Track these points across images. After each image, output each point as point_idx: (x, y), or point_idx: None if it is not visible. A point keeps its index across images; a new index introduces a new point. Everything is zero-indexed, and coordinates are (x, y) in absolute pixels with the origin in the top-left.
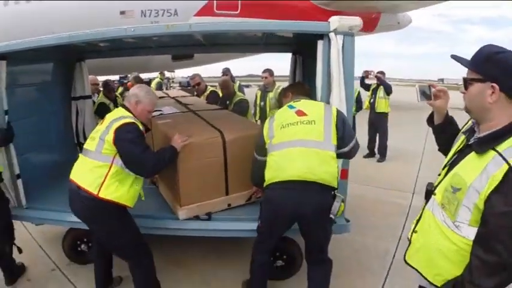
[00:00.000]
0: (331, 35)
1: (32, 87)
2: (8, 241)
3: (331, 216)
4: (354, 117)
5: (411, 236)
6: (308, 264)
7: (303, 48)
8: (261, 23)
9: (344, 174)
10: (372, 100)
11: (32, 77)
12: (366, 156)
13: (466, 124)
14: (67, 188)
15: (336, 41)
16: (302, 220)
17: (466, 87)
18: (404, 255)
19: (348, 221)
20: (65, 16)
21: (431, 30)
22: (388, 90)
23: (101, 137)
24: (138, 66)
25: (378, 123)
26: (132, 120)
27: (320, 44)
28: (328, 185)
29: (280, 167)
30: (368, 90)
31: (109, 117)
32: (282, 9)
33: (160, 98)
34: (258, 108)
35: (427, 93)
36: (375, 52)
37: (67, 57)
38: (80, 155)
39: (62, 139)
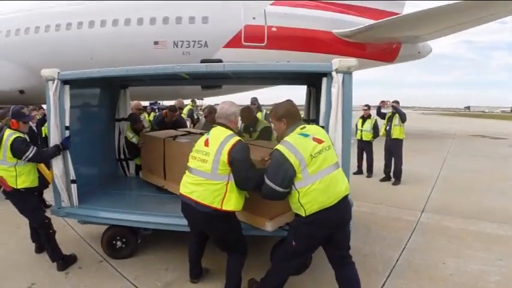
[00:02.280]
0: (333, 73)
1: (84, 109)
2: (49, 230)
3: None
4: (371, 143)
5: None
6: (341, 266)
7: (316, 82)
8: (280, 65)
9: None
10: (387, 127)
11: (84, 100)
12: (382, 180)
13: None
14: (109, 194)
15: (337, 78)
16: (341, 228)
17: None
18: None
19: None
20: (103, 44)
21: (455, 57)
22: (403, 118)
23: (214, 159)
24: (171, 94)
25: (394, 149)
26: (239, 138)
27: (324, 80)
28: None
29: (326, 194)
30: (384, 118)
31: (215, 137)
32: (305, 41)
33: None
34: None
35: None
36: (398, 81)
37: (114, 85)
38: (188, 173)
39: (105, 154)
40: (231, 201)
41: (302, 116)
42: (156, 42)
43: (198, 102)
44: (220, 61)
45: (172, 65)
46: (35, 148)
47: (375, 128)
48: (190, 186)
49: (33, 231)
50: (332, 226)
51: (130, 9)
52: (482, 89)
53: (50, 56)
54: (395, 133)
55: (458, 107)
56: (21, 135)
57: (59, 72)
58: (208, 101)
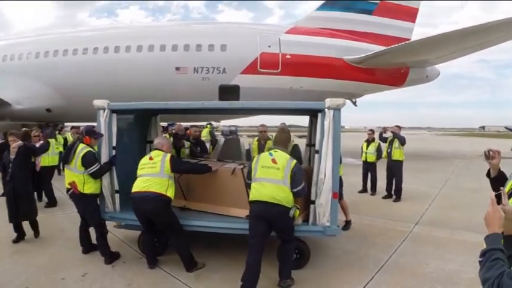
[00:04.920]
0: (326, 110)
1: (124, 132)
2: (103, 230)
3: (290, 216)
4: (375, 164)
5: None
6: (282, 242)
7: (315, 113)
8: (287, 103)
9: (335, 195)
10: (388, 150)
11: (124, 125)
12: (384, 198)
13: None
14: None
15: (329, 114)
16: (272, 221)
17: None
18: None
19: (338, 226)
20: (128, 68)
21: (470, 77)
22: (402, 142)
23: (160, 164)
24: (191, 117)
25: (394, 169)
26: (171, 154)
27: (319, 115)
28: (283, 204)
29: (258, 192)
30: (385, 142)
31: (156, 155)
32: (318, 67)
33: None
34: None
35: (487, 154)
36: (414, 103)
37: (147, 113)
38: (138, 178)
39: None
40: (171, 191)
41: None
42: (177, 68)
43: (214, 124)
44: (237, 87)
45: (201, 102)
46: (100, 166)
47: (378, 151)
48: (142, 183)
49: (82, 235)
50: (259, 215)
51: (154, 36)
52: (498, 108)
53: (76, 78)
54: (396, 155)
55: (474, 127)
56: (93, 150)
57: (108, 103)
58: (224, 122)
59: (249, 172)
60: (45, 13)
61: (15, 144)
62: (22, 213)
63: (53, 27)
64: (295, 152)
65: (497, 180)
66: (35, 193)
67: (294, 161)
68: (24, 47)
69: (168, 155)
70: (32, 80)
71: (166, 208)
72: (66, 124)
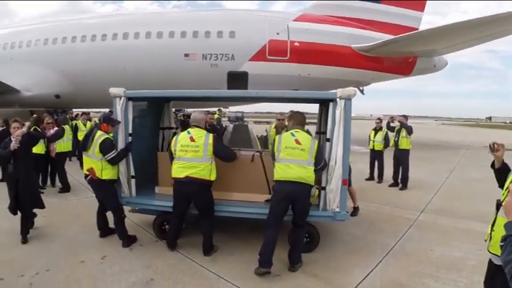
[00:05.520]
0: (338, 99)
1: (137, 119)
2: (121, 214)
3: (311, 196)
4: (382, 152)
5: (491, 234)
6: (294, 226)
7: (325, 102)
8: (299, 92)
9: (345, 182)
10: (396, 139)
11: (138, 112)
12: (390, 186)
13: None
14: (154, 187)
15: (340, 103)
16: (295, 200)
17: None
18: (488, 248)
19: (347, 212)
20: (136, 55)
21: (479, 67)
22: (409, 131)
23: (204, 148)
24: (200, 103)
25: (401, 158)
26: (212, 134)
27: (331, 104)
28: (308, 182)
29: (284, 172)
30: (393, 131)
31: (198, 135)
32: (326, 55)
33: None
34: None
35: (491, 147)
36: (420, 91)
37: (160, 100)
38: (179, 161)
39: (150, 156)
40: (214, 173)
41: (315, 128)
42: (186, 55)
43: (222, 110)
44: (246, 73)
45: (216, 90)
46: (117, 152)
47: (386, 139)
48: (185, 169)
49: (99, 219)
50: (285, 194)
51: (162, 22)
52: (506, 99)
53: (85, 65)
54: (403, 144)
55: (480, 118)
56: (110, 137)
57: (124, 91)
58: (232, 108)
59: (273, 152)
60: None
61: (18, 131)
62: (28, 202)
63: (58, 13)
64: None
65: (501, 171)
66: (49, 179)
67: (316, 142)
68: (32, 34)
69: (211, 136)
70: (41, 66)
71: (208, 191)
72: (74, 110)
